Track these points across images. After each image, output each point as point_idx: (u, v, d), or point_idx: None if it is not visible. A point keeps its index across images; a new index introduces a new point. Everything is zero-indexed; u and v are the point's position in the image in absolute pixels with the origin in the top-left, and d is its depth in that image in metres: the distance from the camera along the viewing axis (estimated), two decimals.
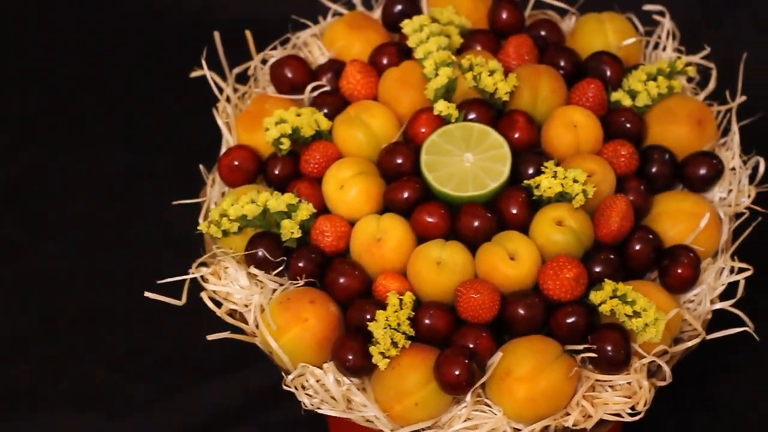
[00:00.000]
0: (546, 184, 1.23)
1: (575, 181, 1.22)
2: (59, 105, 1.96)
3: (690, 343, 1.22)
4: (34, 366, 1.65)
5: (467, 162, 1.27)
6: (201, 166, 1.37)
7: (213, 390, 1.61)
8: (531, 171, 1.27)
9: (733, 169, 1.33)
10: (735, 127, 1.35)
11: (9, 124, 1.94)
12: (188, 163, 1.41)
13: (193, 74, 1.41)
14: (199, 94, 1.46)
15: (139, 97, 1.95)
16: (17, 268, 1.76)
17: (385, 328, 1.17)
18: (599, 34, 1.40)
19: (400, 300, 1.20)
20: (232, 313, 1.26)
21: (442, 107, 1.29)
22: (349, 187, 1.27)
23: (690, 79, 1.41)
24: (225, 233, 1.26)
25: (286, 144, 1.29)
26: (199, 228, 1.27)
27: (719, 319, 1.26)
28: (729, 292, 1.26)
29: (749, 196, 1.31)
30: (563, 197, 1.23)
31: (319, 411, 1.21)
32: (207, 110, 1.40)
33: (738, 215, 1.31)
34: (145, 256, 1.73)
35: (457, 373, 1.16)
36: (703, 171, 1.30)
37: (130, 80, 1.98)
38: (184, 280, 1.25)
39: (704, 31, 1.90)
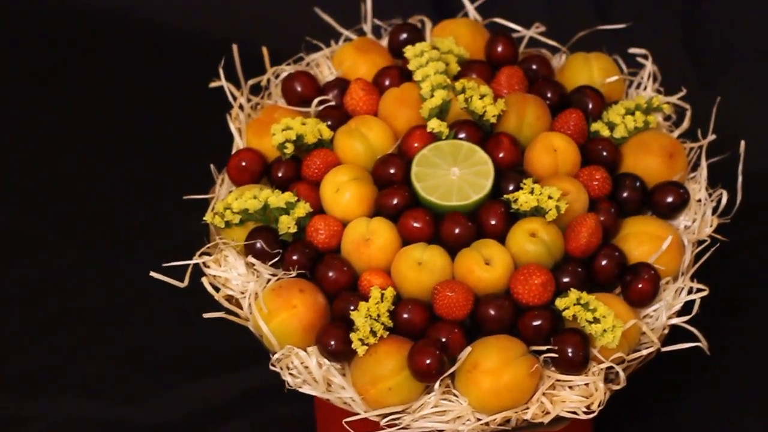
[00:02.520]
0: (523, 198, 1.34)
1: (550, 197, 1.33)
2: (84, 116, 2.08)
3: (645, 352, 1.33)
4: (45, 355, 1.74)
5: (453, 175, 1.38)
6: (212, 166, 1.49)
7: (211, 387, 1.69)
8: (511, 187, 1.37)
9: (699, 200, 1.44)
10: (704, 163, 1.45)
11: (38, 134, 2.05)
12: (204, 166, 1.51)
13: (212, 84, 1.53)
14: (216, 105, 1.58)
15: (158, 108, 2.07)
16: (37, 263, 1.86)
17: (366, 317, 1.28)
18: (585, 70, 1.51)
19: (382, 294, 1.30)
20: (228, 298, 1.37)
21: (434, 125, 1.40)
22: (344, 191, 1.38)
23: (668, 118, 1.52)
24: (228, 224, 1.38)
25: (290, 149, 1.41)
26: (204, 218, 1.39)
27: (680, 338, 1.36)
28: (687, 311, 1.36)
29: (711, 226, 1.42)
30: (538, 212, 1.34)
31: (300, 390, 1.32)
32: (223, 120, 1.51)
33: (701, 242, 1.41)
34: (158, 257, 1.83)
35: (428, 361, 1.26)
36: (670, 199, 1.41)
37: (150, 92, 2.10)
38: (190, 266, 1.37)
39: (694, 84, 2.01)
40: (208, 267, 1.38)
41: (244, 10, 2.17)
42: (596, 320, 1.28)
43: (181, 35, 2.16)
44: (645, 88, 1.54)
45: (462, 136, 1.42)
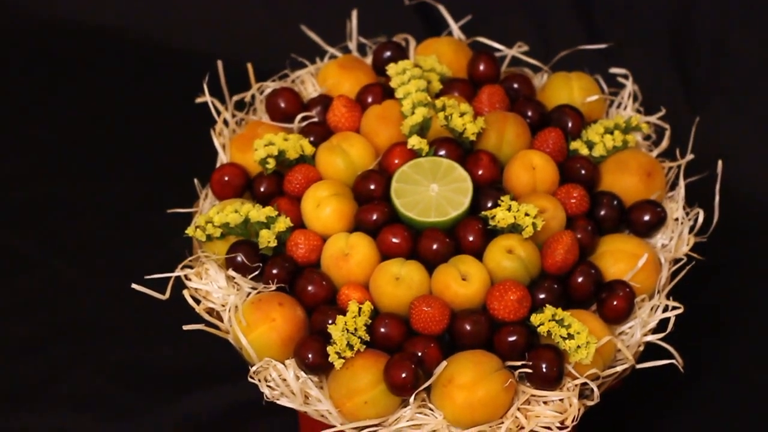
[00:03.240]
0: (500, 215, 1.35)
1: (527, 214, 1.35)
2: (73, 132, 2.09)
3: (619, 368, 1.34)
4: (36, 369, 1.74)
5: (432, 191, 1.40)
6: (196, 180, 1.50)
7: (199, 401, 1.69)
8: (489, 204, 1.39)
9: (677, 219, 1.45)
10: (682, 182, 1.47)
11: (30, 153, 2.06)
12: (191, 180, 1.53)
13: (198, 100, 1.55)
14: (204, 120, 1.59)
15: (147, 122, 2.09)
16: (28, 279, 1.86)
17: (343, 331, 1.30)
18: (566, 90, 1.53)
19: (360, 308, 1.32)
20: (209, 311, 1.39)
21: (415, 142, 1.42)
22: (324, 206, 1.40)
23: (648, 137, 1.54)
24: (209, 238, 1.39)
25: (271, 164, 1.43)
26: (186, 232, 1.41)
27: (659, 356, 1.38)
28: (663, 328, 1.37)
29: (688, 244, 1.43)
30: (515, 228, 1.36)
31: (278, 402, 1.33)
32: (208, 135, 1.54)
33: (677, 260, 1.42)
34: (147, 271, 1.83)
35: (403, 375, 1.28)
36: (647, 217, 1.43)
37: (140, 108, 2.12)
38: (173, 279, 1.38)
39: (682, 104, 2.03)
40: (190, 280, 1.40)
41: (232, 27, 2.19)
42: (570, 336, 1.29)
43: (169, 52, 2.18)
44: (625, 108, 1.56)
45: (442, 153, 1.43)
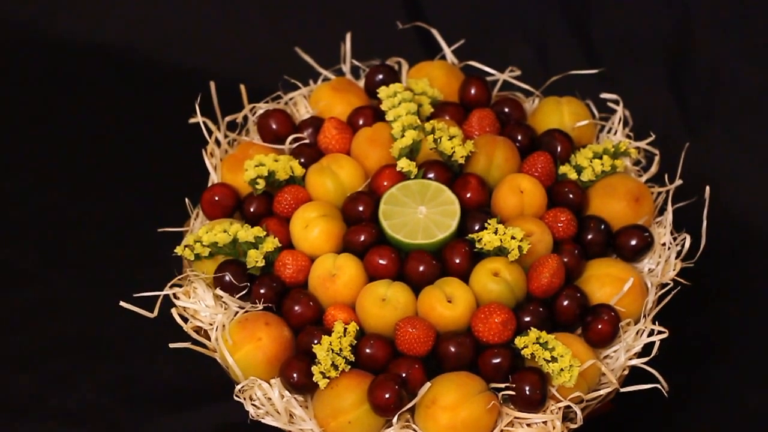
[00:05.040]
0: (487, 238, 1.36)
1: (513, 237, 1.36)
2: (68, 149, 2.10)
3: (603, 392, 1.35)
4: (30, 383, 1.75)
5: (420, 214, 1.41)
6: (187, 200, 1.51)
7: (191, 419, 1.70)
8: (477, 227, 1.40)
9: (664, 244, 1.46)
10: (670, 207, 1.47)
11: (26, 169, 2.07)
12: (182, 199, 1.54)
13: (191, 120, 1.56)
14: (198, 139, 1.61)
15: (137, 142, 2.10)
16: (25, 294, 1.87)
17: (328, 351, 1.31)
18: (556, 114, 1.54)
19: (345, 328, 1.33)
20: (197, 330, 1.40)
21: (404, 164, 1.43)
22: (312, 227, 1.41)
23: (638, 162, 1.55)
24: (197, 257, 1.40)
25: (261, 184, 1.44)
26: (175, 251, 1.42)
27: (642, 380, 1.38)
28: (648, 352, 1.37)
29: (675, 269, 1.44)
30: (501, 251, 1.37)
31: (263, 422, 1.34)
32: (201, 154, 1.55)
33: (664, 285, 1.43)
34: (140, 289, 1.85)
35: (387, 396, 1.29)
36: (633, 242, 1.43)
37: (135, 126, 2.13)
38: (162, 297, 1.39)
39: (679, 129, 2.04)
40: (178, 298, 1.41)
41: (226, 48, 2.20)
42: (554, 359, 1.30)
43: (164, 71, 2.19)
44: (615, 133, 1.57)
45: (431, 176, 1.44)
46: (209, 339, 1.39)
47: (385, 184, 1.44)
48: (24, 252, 1.93)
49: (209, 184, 1.52)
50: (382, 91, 1.49)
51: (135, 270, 1.86)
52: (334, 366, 1.31)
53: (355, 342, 1.33)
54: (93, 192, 2.03)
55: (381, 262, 1.38)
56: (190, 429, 1.70)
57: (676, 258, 1.45)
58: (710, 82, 2.08)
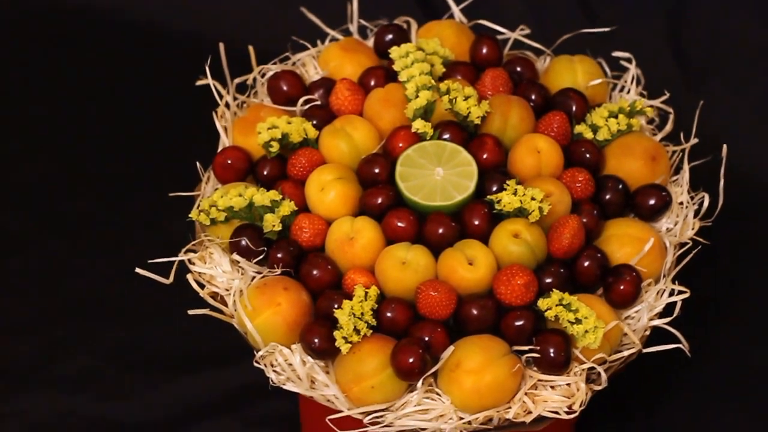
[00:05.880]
0: (506, 199, 1.35)
1: (533, 198, 1.34)
2: (71, 114, 2.08)
3: (626, 353, 1.34)
4: (32, 349, 1.74)
5: (437, 175, 1.39)
6: (198, 164, 1.49)
7: (198, 383, 1.70)
8: (495, 188, 1.38)
9: (681, 203, 1.45)
10: (686, 166, 1.47)
11: (29, 134, 2.06)
12: (191, 164, 1.52)
13: (199, 82, 1.54)
14: (203, 103, 1.58)
15: (146, 106, 2.08)
16: (25, 259, 1.86)
17: (350, 315, 1.29)
18: (569, 73, 1.52)
19: (366, 292, 1.31)
20: (213, 295, 1.38)
21: (419, 125, 1.41)
22: (328, 190, 1.39)
23: (651, 121, 1.53)
24: (213, 221, 1.38)
25: (275, 147, 1.42)
26: (190, 216, 1.40)
27: (663, 340, 1.37)
28: (669, 312, 1.37)
29: (693, 228, 1.43)
30: (521, 213, 1.35)
31: (284, 387, 1.32)
32: (210, 118, 1.52)
33: (682, 244, 1.42)
34: (145, 254, 1.83)
35: (411, 360, 1.27)
36: (652, 201, 1.42)
37: (138, 90, 2.11)
38: (176, 262, 1.37)
39: (679, 87, 2.03)
40: (194, 264, 1.39)
41: (232, 10, 2.18)
42: (578, 321, 1.29)
43: (168, 35, 2.17)
44: (628, 91, 1.55)
45: (446, 136, 1.43)
46: (225, 305, 1.37)
47: (401, 145, 1.42)
48: (23, 218, 1.92)
49: (220, 148, 1.49)
50: (394, 51, 1.47)
51: (142, 234, 1.86)
52: (356, 330, 1.29)
53: (376, 306, 1.32)
54: (99, 157, 2.01)
55: (400, 224, 1.36)
56: (197, 393, 1.69)
57: (694, 217, 1.44)
58: (710, 37, 2.07)
